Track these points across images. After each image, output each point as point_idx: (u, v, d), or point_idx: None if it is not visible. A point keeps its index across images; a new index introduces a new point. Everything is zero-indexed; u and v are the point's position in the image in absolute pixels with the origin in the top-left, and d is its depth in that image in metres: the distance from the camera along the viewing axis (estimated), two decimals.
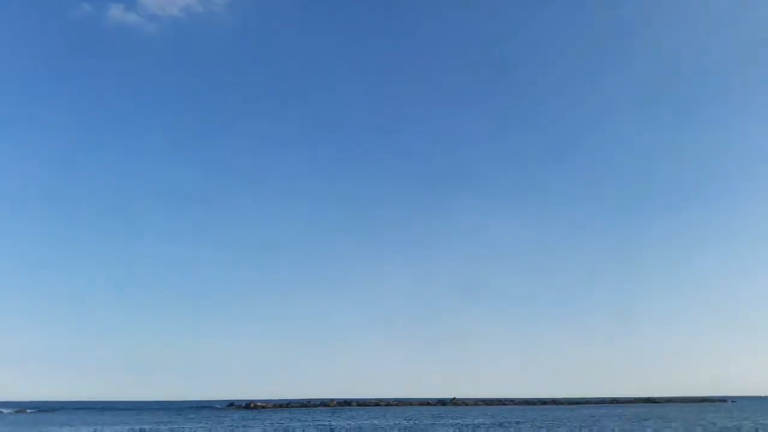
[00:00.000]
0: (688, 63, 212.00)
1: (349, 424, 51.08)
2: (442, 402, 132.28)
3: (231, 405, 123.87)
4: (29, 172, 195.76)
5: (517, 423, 54.91)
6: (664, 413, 79.03)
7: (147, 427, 50.78)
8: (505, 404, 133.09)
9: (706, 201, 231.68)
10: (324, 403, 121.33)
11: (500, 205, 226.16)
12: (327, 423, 53.25)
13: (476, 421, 58.25)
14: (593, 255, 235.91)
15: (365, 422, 56.21)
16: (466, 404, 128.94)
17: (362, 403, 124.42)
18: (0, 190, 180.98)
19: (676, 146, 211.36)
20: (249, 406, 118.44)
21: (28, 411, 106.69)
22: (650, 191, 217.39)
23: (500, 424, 53.01)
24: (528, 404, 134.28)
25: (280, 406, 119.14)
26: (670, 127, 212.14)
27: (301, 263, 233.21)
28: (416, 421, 59.18)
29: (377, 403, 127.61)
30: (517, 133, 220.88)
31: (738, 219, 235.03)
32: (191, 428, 47.21)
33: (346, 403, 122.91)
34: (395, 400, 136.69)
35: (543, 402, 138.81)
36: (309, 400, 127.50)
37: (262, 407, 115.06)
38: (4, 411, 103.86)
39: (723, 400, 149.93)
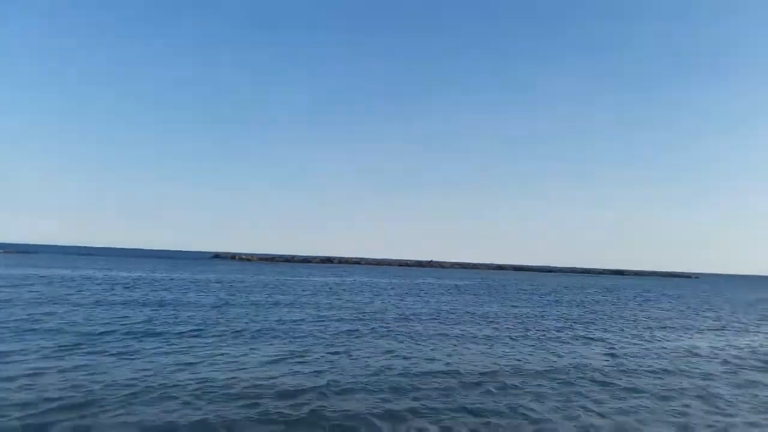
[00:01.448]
0: None
1: (343, 281, 52.36)
2: (420, 263, 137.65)
3: (216, 257, 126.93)
4: None
5: (502, 285, 57.10)
6: (630, 283, 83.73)
7: (157, 273, 51.25)
8: (479, 268, 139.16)
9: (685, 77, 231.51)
10: (306, 260, 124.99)
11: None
12: (321, 279, 54.46)
13: (462, 282, 60.51)
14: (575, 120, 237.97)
15: (358, 279, 57.73)
16: (443, 266, 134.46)
17: (344, 261, 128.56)
18: None
19: None
20: (234, 258, 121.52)
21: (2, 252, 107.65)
22: None
23: (487, 286, 55.12)
24: (501, 269, 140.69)
25: (264, 260, 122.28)
26: None
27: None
28: (405, 279, 61.25)
29: (358, 261, 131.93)
30: None
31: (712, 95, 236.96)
32: (195, 275, 48.00)
33: (328, 260, 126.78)
34: (375, 259, 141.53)
35: (516, 269, 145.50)
36: (293, 256, 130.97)
37: (247, 260, 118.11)
38: None
39: (688, 276, 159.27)
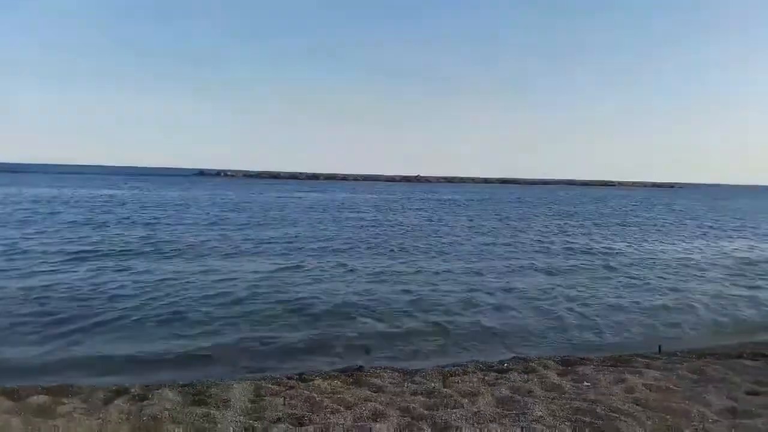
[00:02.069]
0: None
1: (333, 198, 51.80)
2: (407, 179, 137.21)
3: (201, 173, 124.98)
4: None
5: (492, 200, 57.08)
6: (615, 193, 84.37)
7: (145, 191, 50.11)
8: (465, 182, 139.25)
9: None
10: (293, 176, 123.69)
11: None
12: (315, 195, 53.85)
13: (454, 197, 60.42)
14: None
15: (348, 195, 57.22)
16: (430, 181, 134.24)
17: (330, 177, 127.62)
18: None
19: None
20: (219, 174, 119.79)
21: None
22: None
23: (480, 200, 55.02)
24: (487, 183, 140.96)
25: (250, 176, 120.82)
26: None
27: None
28: (395, 195, 60.97)
29: (344, 177, 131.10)
30: None
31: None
32: (185, 191, 47.06)
33: (314, 176, 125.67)
34: (362, 176, 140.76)
35: (502, 181, 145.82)
36: (278, 173, 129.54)
37: (232, 176, 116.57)
38: None
39: (671, 185, 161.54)
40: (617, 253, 18.35)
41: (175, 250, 15.93)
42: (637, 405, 5.26)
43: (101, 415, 4.78)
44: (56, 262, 13.36)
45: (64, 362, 7.00)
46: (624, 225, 29.53)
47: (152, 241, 17.62)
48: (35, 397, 5.21)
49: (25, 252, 14.71)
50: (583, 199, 63.35)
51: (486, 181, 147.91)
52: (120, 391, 5.55)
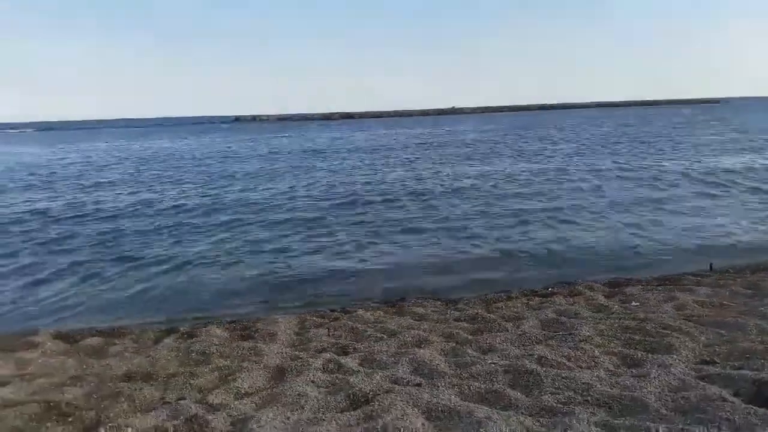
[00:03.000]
0: None
1: (378, 134, 51.32)
2: (441, 111, 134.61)
3: (237, 120, 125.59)
4: None
5: (532, 128, 55.57)
6: (656, 113, 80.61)
7: (202, 138, 50.77)
8: (502, 111, 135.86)
9: None
10: (326, 117, 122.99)
11: None
12: (353, 136, 53.48)
13: (486, 127, 59.10)
14: None
15: (393, 132, 56.62)
16: (464, 112, 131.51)
17: (363, 115, 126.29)
18: None
19: None
20: (255, 119, 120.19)
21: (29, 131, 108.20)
22: None
23: (523, 127, 53.57)
24: (523, 110, 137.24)
25: (283, 119, 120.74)
26: None
27: None
28: (431, 129, 60.03)
29: (378, 115, 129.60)
30: None
31: None
32: (231, 139, 47.51)
33: (348, 116, 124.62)
34: (394, 111, 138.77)
35: (540, 107, 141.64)
36: (312, 115, 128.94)
37: (266, 120, 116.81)
38: (27, 130, 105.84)
39: (715, 101, 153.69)
40: (670, 171, 17.68)
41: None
42: (689, 321, 5.09)
43: (151, 353, 4.91)
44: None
45: (118, 304, 7.23)
46: (676, 144, 28.32)
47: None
48: (88, 339, 5.39)
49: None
50: (629, 120, 60.98)
51: (521, 108, 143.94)
52: (169, 331, 5.70)
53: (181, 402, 3.79)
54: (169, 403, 3.81)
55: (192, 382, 4.20)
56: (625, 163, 20.35)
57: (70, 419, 3.64)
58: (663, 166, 19.21)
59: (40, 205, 15.11)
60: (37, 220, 13.07)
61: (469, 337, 5.04)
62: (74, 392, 4.07)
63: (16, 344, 5.30)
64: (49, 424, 3.57)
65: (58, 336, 5.55)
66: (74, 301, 7.33)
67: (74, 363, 4.76)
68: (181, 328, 5.73)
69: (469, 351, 4.63)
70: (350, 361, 4.50)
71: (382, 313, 6.16)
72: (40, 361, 4.83)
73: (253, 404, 3.75)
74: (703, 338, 4.61)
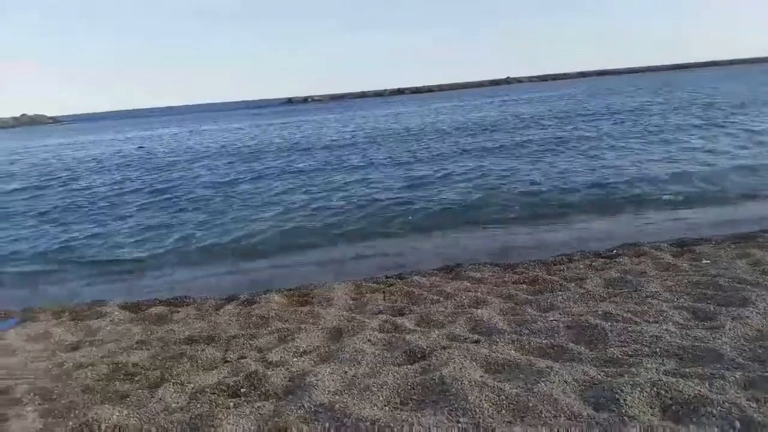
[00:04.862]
0: None
1: (440, 107, 50.78)
2: (495, 82, 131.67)
3: (289, 101, 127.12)
4: None
5: (595, 94, 53.49)
6: (725, 74, 75.73)
7: (261, 123, 51.91)
8: (559, 79, 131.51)
9: None
10: (378, 93, 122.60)
11: None
12: (403, 110, 53.12)
13: (554, 93, 57.30)
14: None
15: (451, 105, 55.89)
16: (521, 82, 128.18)
17: (416, 91, 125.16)
18: None
19: None
20: (306, 100, 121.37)
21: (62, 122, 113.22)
22: None
23: (590, 95, 51.68)
24: (583, 76, 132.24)
25: (335, 98, 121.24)
26: None
27: None
28: (493, 99, 58.82)
29: (430, 89, 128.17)
30: None
31: None
32: (294, 120, 48.13)
33: (399, 91, 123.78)
34: (448, 85, 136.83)
35: (599, 73, 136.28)
36: (363, 93, 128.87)
37: (319, 100, 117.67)
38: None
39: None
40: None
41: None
42: (766, 275, 4.76)
43: (212, 318, 5.04)
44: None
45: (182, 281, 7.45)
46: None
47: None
48: (153, 309, 5.59)
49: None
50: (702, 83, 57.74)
51: (581, 74, 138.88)
52: (230, 298, 5.83)
53: (242, 360, 3.88)
54: (229, 362, 3.91)
55: (252, 342, 4.29)
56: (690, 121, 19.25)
57: (136, 378, 3.79)
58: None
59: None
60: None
61: (529, 297, 4.91)
62: (140, 355, 4.24)
63: (87, 314, 5.57)
64: (117, 383, 3.73)
65: (125, 306, 5.79)
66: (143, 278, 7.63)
67: (139, 329, 4.96)
68: (241, 296, 5.86)
69: (529, 310, 4.51)
70: (406, 322, 4.47)
71: (437, 278, 6.09)
72: (108, 328, 5.06)
73: (311, 361, 3.79)
74: None
